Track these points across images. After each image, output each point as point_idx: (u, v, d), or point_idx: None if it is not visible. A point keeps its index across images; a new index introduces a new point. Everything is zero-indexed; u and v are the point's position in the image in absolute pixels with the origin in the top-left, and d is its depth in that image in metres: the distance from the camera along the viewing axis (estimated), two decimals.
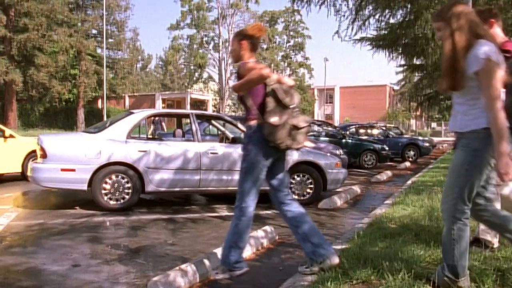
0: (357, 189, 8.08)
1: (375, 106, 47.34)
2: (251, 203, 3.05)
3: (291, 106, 2.83)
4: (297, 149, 3.07)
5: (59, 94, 31.08)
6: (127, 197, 5.85)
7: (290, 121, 2.80)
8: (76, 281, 3.25)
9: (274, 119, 2.76)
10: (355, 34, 9.25)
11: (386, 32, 10.21)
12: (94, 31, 35.28)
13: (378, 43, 10.49)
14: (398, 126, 17.31)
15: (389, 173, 11.38)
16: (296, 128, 2.82)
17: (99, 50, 35.00)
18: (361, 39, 10.51)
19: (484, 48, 2.30)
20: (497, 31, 3.03)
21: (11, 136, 8.39)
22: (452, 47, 2.37)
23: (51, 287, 3.16)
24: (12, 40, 28.05)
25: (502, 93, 2.42)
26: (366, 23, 9.12)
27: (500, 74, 2.31)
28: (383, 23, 9.60)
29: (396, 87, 49.50)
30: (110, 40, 34.74)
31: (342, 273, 2.96)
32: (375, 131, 17.08)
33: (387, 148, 13.54)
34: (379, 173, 11.02)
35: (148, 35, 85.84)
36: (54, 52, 30.52)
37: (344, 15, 8.93)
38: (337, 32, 9.15)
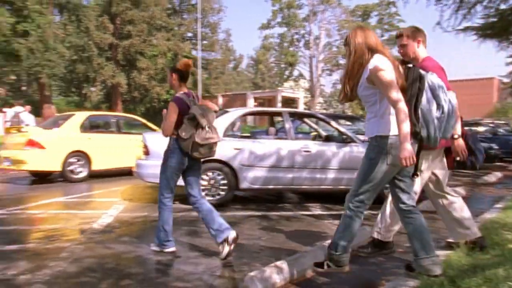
0: (461, 191, 7.48)
1: (481, 101, 43.37)
2: (168, 196, 3.87)
3: (202, 126, 3.67)
4: (200, 159, 3.85)
5: (158, 94, 33.21)
6: (222, 193, 6.03)
7: (196, 138, 3.64)
8: (178, 272, 3.42)
9: (182, 134, 3.68)
10: (459, 23, 8.57)
11: (495, 19, 9.29)
12: (189, 34, 37.12)
13: (486, 32, 9.59)
14: (509, 123, 15.72)
15: (498, 174, 10.39)
16: (198, 144, 3.65)
17: (194, 52, 36.73)
18: (466, 29, 9.68)
19: (373, 60, 2.70)
20: (421, 49, 3.43)
21: None
22: (351, 64, 2.79)
23: (156, 275, 3.36)
24: (118, 46, 30.57)
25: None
26: (472, 10, 8.40)
27: (389, 76, 2.62)
28: (492, 10, 8.75)
29: (506, 80, 44.88)
30: (204, 42, 36.27)
31: (449, 280, 2.75)
32: (481, 128, 15.68)
33: (495, 147, 12.37)
34: (487, 174, 10.12)
35: (240, 35, 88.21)
36: (153, 56, 32.67)
37: (446, 4, 8.34)
38: (438, 23, 8.56)
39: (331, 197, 6.66)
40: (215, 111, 3.93)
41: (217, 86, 38.30)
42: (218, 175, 6.02)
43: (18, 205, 6.20)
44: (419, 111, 2.71)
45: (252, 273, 3.02)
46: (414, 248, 2.96)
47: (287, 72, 46.97)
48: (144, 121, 10.65)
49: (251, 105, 36.71)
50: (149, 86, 31.93)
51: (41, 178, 9.21)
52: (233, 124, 6.65)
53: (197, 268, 3.52)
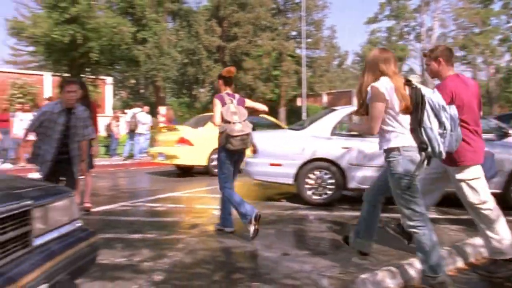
0: None
1: None
2: (228, 186, 4.36)
3: (232, 122, 4.23)
4: (235, 151, 4.29)
5: (263, 94, 33.90)
6: (329, 192, 5.94)
7: (227, 131, 4.18)
8: (286, 269, 3.44)
9: (219, 130, 4.30)
10: None
11: None
12: (293, 33, 37.25)
13: None
14: None
15: None
16: (229, 135, 4.17)
17: (298, 51, 36.76)
18: None
19: (378, 82, 2.88)
20: (443, 67, 3.59)
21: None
22: (362, 83, 3.01)
23: (265, 271, 3.41)
24: (225, 49, 31.88)
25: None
26: None
27: (379, 103, 2.86)
28: None
29: None
30: (308, 40, 36.12)
31: None
32: None
33: None
34: None
35: (345, 31, 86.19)
36: (258, 56, 33.45)
37: None
38: None
39: (448, 200, 6.18)
40: (263, 112, 4.98)
41: (321, 84, 37.90)
42: (325, 174, 5.94)
43: (140, 198, 6.79)
44: (423, 129, 2.87)
45: (364, 276, 2.94)
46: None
47: None
48: (275, 120, 11.12)
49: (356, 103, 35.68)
50: (254, 85, 32.74)
51: (184, 172, 10.26)
52: (340, 123, 6.48)
53: (305, 266, 3.50)
